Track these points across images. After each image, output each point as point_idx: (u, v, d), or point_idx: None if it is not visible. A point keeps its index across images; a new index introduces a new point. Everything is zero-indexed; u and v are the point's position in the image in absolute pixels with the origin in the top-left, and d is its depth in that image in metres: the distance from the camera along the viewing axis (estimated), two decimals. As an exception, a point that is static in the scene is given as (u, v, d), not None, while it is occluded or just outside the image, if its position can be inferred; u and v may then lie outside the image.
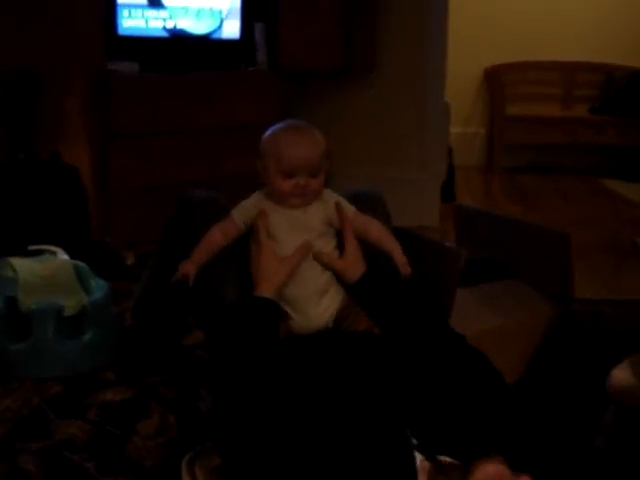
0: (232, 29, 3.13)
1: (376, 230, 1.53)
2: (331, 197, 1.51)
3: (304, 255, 1.45)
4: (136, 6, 2.83)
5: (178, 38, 2.98)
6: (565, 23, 5.51)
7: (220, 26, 3.09)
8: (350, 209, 1.52)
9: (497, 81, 5.52)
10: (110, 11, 2.75)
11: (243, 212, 1.50)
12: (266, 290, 1.41)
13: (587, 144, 5.44)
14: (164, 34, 2.94)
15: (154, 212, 2.52)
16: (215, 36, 3.09)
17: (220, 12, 3.08)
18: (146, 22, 2.88)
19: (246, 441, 1.20)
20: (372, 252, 1.53)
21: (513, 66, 5.53)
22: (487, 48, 5.50)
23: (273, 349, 1.35)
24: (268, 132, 1.49)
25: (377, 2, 3.44)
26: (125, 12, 2.81)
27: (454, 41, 4.01)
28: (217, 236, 1.49)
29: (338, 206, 1.50)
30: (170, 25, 2.95)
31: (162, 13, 2.91)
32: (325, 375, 1.34)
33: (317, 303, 1.47)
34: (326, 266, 1.46)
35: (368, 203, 1.64)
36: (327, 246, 1.49)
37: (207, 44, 3.09)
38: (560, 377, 1.85)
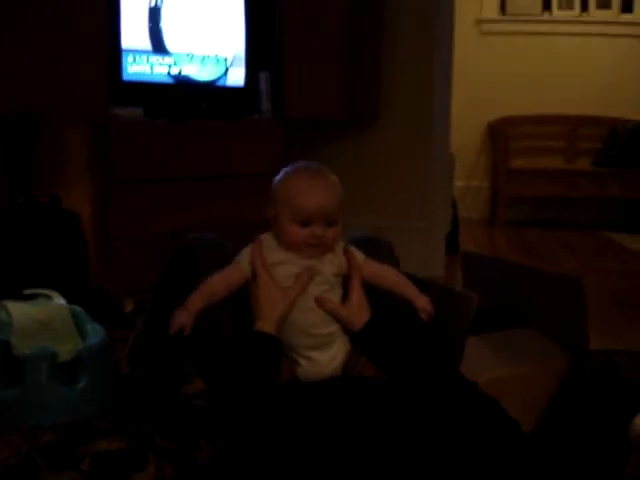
0: (237, 77, 3.13)
1: (392, 275, 1.47)
2: (340, 243, 1.45)
3: (305, 285, 1.37)
4: (141, 52, 2.83)
5: (183, 84, 2.97)
6: (568, 77, 5.55)
7: (225, 73, 3.09)
8: (360, 256, 1.46)
9: (501, 134, 5.54)
10: (115, 56, 2.74)
11: (247, 258, 1.41)
12: (266, 323, 1.34)
13: (590, 197, 5.43)
14: (169, 80, 2.93)
15: (155, 259, 2.47)
16: (220, 83, 3.09)
17: (225, 60, 3.08)
18: (151, 68, 2.87)
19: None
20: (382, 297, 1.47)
21: (517, 120, 5.56)
22: (491, 102, 5.54)
23: (272, 392, 1.29)
24: (279, 176, 1.41)
25: (381, 53, 3.45)
26: (130, 58, 2.80)
27: (458, 94, 4.03)
28: (219, 286, 1.40)
29: (347, 252, 1.44)
30: (175, 71, 2.94)
31: (167, 59, 2.91)
32: (333, 424, 1.27)
33: (325, 351, 1.41)
34: (330, 312, 1.40)
35: (375, 248, 1.58)
36: (336, 298, 1.42)
37: (211, 91, 3.08)
38: (577, 428, 1.77)
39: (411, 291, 1.46)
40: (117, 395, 1.99)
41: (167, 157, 2.82)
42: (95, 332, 1.99)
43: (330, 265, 1.41)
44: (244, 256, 1.41)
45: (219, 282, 1.40)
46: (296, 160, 1.48)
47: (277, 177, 1.41)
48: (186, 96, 2.98)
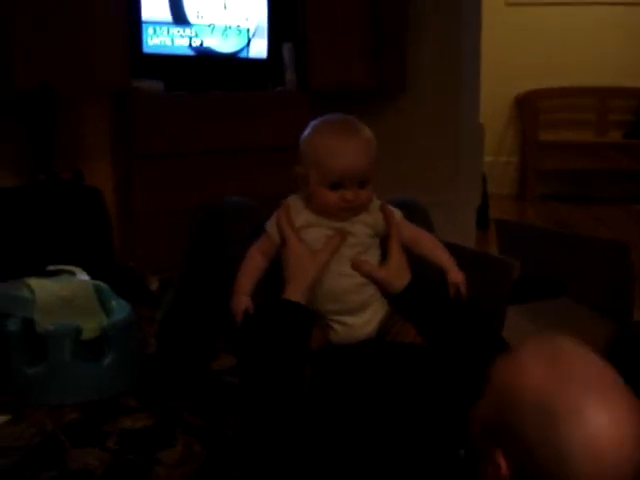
0: (259, 48, 3.04)
1: (430, 240, 1.38)
2: (375, 201, 1.36)
3: (336, 247, 1.28)
4: (161, 23, 2.75)
5: (204, 56, 2.89)
6: (597, 48, 5.38)
7: (247, 45, 3.01)
8: (397, 214, 1.37)
9: (529, 107, 5.39)
10: (135, 28, 2.67)
11: (276, 225, 1.33)
12: (294, 291, 1.26)
13: (621, 170, 5.29)
14: (190, 52, 2.85)
15: (179, 236, 2.40)
16: (242, 55, 3.00)
17: (247, 31, 3.00)
18: (172, 40, 2.80)
19: (272, 469, 1.08)
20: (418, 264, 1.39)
21: (545, 92, 5.41)
22: (518, 74, 5.37)
23: (302, 361, 1.22)
24: (308, 132, 1.31)
25: (407, 21, 3.34)
26: (150, 30, 2.73)
27: (485, 67, 3.89)
28: (258, 259, 1.33)
29: (385, 210, 1.35)
30: (196, 43, 2.86)
31: (187, 31, 2.83)
32: (367, 390, 1.20)
33: (359, 316, 1.33)
34: (367, 275, 1.31)
35: (411, 213, 1.47)
36: (373, 260, 1.33)
37: (234, 63, 3.00)
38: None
39: (448, 261, 1.36)
40: (144, 373, 1.94)
41: (189, 130, 2.75)
42: (120, 308, 1.94)
43: (364, 225, 1.32)
44: (272, 222, 1.34)
45: (257, 255, 1.33)
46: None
47: (305, 132, 1.32)
48: (207, 68, 2.91)
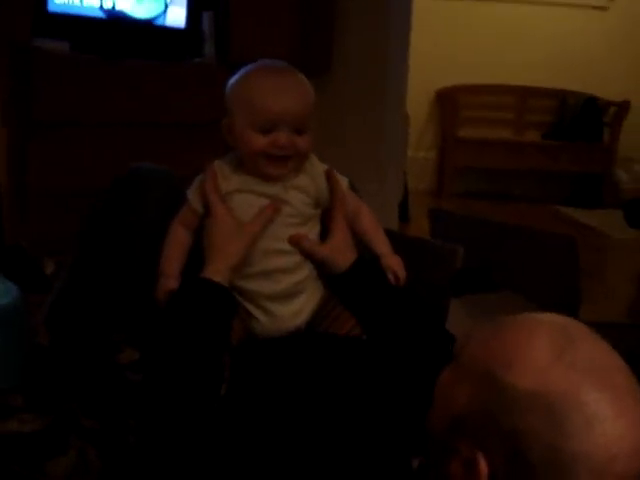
0: (177, 16, 2.80)
1: (369, 219, 1.21)
2: (319, 166, 1.17)
3: (269, 219, 1.10)
4: (69, -20, 2.49)
5: (116, 20, 2.64)
6: (519, 47, 5.37)
7: (164, 12, 2.76)
8: (344, 182, 1.19)
9: (450, 103, 5.32)
10: (38, -17, 2.40)
11: (200, 190, 1.14)
12: (215, 270, 1.07)
13: (539, 170, 5.30)
14: (100, 15, 2.60)
15: (79, 215, 2.16)
16: (158, 22, 2.76)
17: (164, -4, 2.76)
18: (80, 0, 2.53)
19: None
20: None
21: (466, 88, 5.36)
22: (439, 69, 5.30)
23: (219, 357, 1.03)
24: (236, 76, 1.13)
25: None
26: (56, -14, 2.46)
27: (407, 59, 3.77)
28: (181, 233, 1.14)
29: (330, 176, 1.16)
30: (107, 5, 2.60)
31: (98, -9, 2.57)
32: (296, 392, 1.02)
33: (289, 302, 1.13)
34: (307, 253, 1.12)
35: None
36: (312, 235, 1.15)
37: (148, 30, 2.75)
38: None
39: (384, 244, 1.20)
40: (32, 366, 1.69)
41: (97, 99, 2.49)
42: (7, 291, 1.68)
43: (302, 194, 1.14)
44: (193, 190, 1.14)
45: (180, 229, 1.14)
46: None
47: (232, 78, 1.14)
48: (119, 33, 2.65)
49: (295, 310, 1.14)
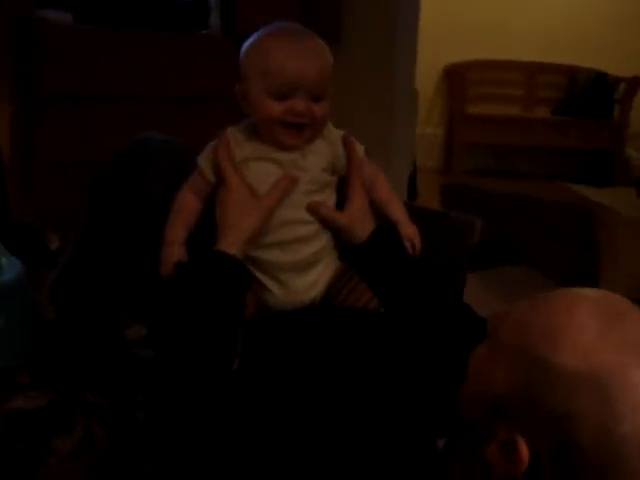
0: (183, -14, 2.74)
1: (385, 187, 1.16)
2: (335, 132, 1.12)
3: (286, 192, 1.05)
4: (71, -52, 2.43)
5: (119, -10, 2.58)
6: (528, 23, 5.28)
7: (169, -18, 2.70)
8: (361, 149, 1.14)
9: (458, 79, 5.24)
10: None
11: (213, 158, 1.09)
12: (230, 243, 1.02)
13: (548, 146, 5.23)
14: (104, -16, 2.53)
15: (84, 189, 2.12)
16: (163, -8, 2.70)
17: (169, -34, 2.69)
18: (83, -31, 2.47)
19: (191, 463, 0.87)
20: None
21: (474, 64, 5.28)
22: (447, 45, 5.21)
23: (233, 332, 0.98)
24: (251, 39, 1.07)
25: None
26: (57, -46, 2.40)
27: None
28: (190, 201, 1.08)
29: (348, 142, 1.12)
30: (111, -26, 2.54)
31: (101, -41, 2.51)
32: (313, 369, 0.98)
33: (304, 274, 1.09)
34: (326, 220, 1.08)
35: None
36: (329, 202, 1.10)
37: (153, 0, 2.68)
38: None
39: (401, 212, 1.16)
40: (38, 343, 1.65)
41: (102, 71, 2.44)
42: (10, 267, 1.65)
43: (320, 158, 1.09)
44: (205, 156, 1.09)
45: (190, 196, 1.09)
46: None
47: (247, 41, 1.08)
48: (122, 3, 2.58)
49: (311, 281, 1.09)
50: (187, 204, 1.08)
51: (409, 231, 1.14)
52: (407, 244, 1.13)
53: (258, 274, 1.07)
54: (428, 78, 5.29)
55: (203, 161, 1.09)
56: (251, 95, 1.05)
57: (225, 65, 2.72)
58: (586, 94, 5.13)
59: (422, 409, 0.93)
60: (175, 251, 1.06)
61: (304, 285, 1.09)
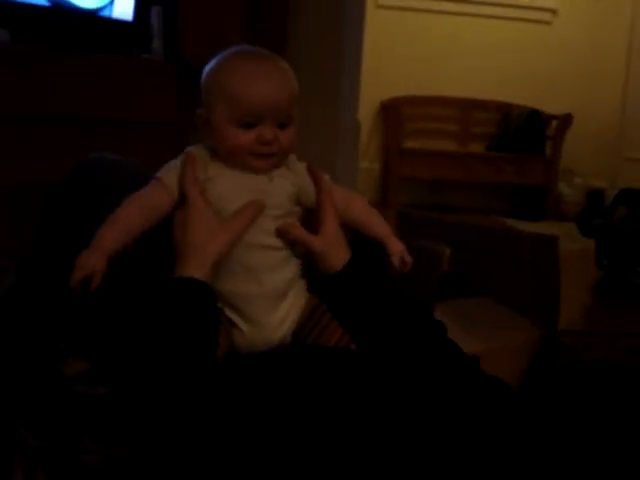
0: (124, 8, 2.65)
1: (360, 206, 1.10)
2: (299, 164, 1.06)
3: (254, 216, 0.98)
4: (10, -36, 2.31)
5: (60, 9, 2.46)
6: (464, 60, 5.38)
7: (111, 3, 2.61)
8: (326, 177, 1.08)
9: (394, 114, 5.28)
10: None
11: (175, 174, 1.00)
12: (195, 267, 0.93)
13: (483, 182, 5.29)
14: (44, 2, 2.42)
15: (20, 217, 2.00)
16: (104, 14, 2.60)
17: (111, -13, 2.60)
18: (22, -14, 2.36)
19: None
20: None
21: (410, 100, 5.33)
22: (384, 80, 5.26)
23: (209, 370, 0.89)
24: (213, 63, 1.01)
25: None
26: (-5, -30, 2.28)
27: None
28: (134, 213, 0.97)
29: (312, 170, 1.06)
30: (51, -7, 2.43)
31: (41, -23, 2.40)
32: (293, 418, 0.90)
33: (274, 307, 1.01)
34: (297, 243, 1.01)
35: None
36: None
37: (94, 21, 2.58)
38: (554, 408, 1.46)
39: (385, 229, 1.11)
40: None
41: (38, 93, 2.30)
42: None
43: (285, 184, 1.03)
44: (170, 171, 1.00)
45: (134, 210, 0.98)
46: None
47: (209, 65, 1.01)
48: (64, 23, 2.48)
49: (282, 315, 1.02)
50: (127, 216, 0.97)
51: (397, 248, 1.09)
52: (396, 261, 1.07)
53: (225, 308, 0.99)
54: (365, 113, 5.31)
55: (168, 175, 1.00)
56: (215, 122, 0.98)
57: (166, 89, 2.65)
58: (519, 130, 5.22)
59: (402, 450, 0.86)
60: (92, 259, 0.92)
61: (275, 320, 1.01)
